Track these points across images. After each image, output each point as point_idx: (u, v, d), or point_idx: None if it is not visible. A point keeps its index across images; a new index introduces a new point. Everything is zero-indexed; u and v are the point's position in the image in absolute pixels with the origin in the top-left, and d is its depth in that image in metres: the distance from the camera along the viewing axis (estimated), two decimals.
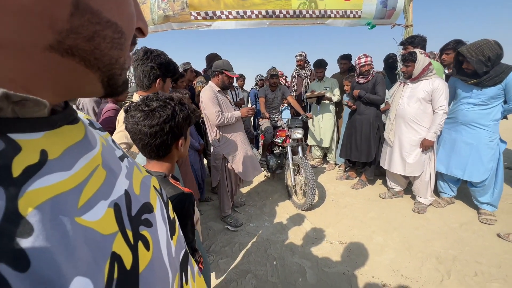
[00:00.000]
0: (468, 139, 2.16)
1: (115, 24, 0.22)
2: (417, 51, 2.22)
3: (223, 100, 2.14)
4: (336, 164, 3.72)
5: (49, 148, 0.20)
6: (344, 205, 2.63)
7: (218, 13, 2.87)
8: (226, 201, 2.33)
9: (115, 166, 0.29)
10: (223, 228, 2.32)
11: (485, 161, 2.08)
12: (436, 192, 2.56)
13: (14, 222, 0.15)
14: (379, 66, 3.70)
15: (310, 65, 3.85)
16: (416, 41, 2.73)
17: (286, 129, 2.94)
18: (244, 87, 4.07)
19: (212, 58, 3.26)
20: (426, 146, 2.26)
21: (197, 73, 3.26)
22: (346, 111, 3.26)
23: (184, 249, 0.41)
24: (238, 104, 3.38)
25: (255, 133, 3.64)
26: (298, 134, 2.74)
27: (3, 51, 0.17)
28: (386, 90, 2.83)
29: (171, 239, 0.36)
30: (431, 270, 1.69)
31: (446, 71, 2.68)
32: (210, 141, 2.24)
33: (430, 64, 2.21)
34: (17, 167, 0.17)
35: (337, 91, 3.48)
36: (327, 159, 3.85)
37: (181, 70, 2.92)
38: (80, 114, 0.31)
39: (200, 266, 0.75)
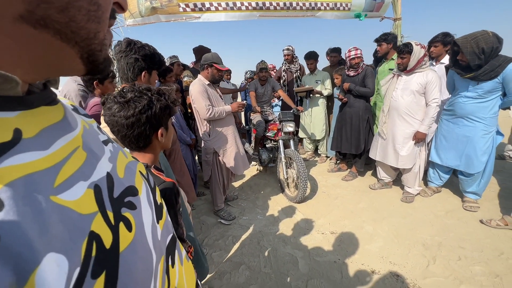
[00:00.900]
0: (465, 132, 2.15)
1: None
2: (413, 42, 2.17)
3: (213, 94, 2.12)
4: (327, 157, 3.77)
5: (24, 127, 0.20)
6: (335, 197, 2.68)
7: (207, 5, 2.80)
8: (219, 195, 2.33)
9: (97, 149, 0.29)
10: (216, 222, 2.33)
11: (479, 154, 2.08)
12: (425, 181, 2.63)
13: None
14: (368, 60, 3.73)
15: (298, 59, 3.85)
16: (389, 38, 2.80)
17: (277, 122, 2.95)
18: (231, 81, 4.04)
19: (199, 50, 3.21)
20: (419, 138, 2.28)
21: (184, 67, 3.20)
22: (337, 104, 3.29)
23: (172, 234, 0.41)
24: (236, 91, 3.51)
25: (247, 127, 3.63)
26: (289, 127, 2.75)
27: None
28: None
29: (157, 223, 0.36)
30: (417, 256, 1.76)
31: (434, 63, 2.74)
32: (201, 135, 2.22)
33: (425, 55, 2.19)
34: None
35: (328, 84, 3.50)
36: (319, 152, 3.90)
37: (168, 64, 2.86)
38: (64, 100, 0.30)
39: (190, 256, 0.76)
